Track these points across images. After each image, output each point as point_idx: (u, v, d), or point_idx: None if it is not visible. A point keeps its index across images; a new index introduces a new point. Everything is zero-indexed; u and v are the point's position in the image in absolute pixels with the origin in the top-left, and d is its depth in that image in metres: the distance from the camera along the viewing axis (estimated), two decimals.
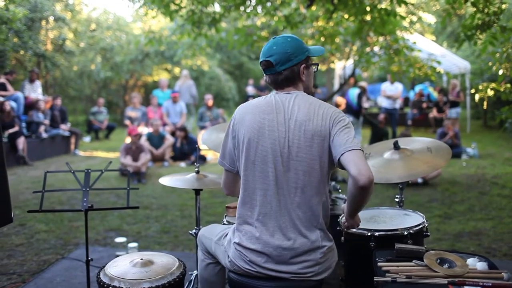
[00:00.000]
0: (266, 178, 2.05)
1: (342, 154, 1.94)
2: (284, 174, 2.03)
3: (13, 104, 9.89)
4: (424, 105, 14.78)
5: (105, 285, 2.18)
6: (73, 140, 11.41)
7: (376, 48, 8.62)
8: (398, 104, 12.27)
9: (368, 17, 6.90)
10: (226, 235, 2.25)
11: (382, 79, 19.67)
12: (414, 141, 2.99)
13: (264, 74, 2.20)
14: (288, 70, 2.12)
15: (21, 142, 9.26)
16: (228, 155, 2.22)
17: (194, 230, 3.08)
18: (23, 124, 10.07)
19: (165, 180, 2.98)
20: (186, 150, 9.86)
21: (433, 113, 13.64)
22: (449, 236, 4.81)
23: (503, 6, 5.19)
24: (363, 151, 1.98)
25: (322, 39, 8.38)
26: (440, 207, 5.91)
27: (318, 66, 2.29)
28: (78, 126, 13.98)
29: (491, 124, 14.28)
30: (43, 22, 13.28)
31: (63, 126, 11.20)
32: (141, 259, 2.33)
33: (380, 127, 10.48)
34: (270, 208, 2.04)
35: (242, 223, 2.12)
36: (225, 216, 2.97)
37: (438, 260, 2.07)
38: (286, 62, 2.10)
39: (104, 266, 2.34)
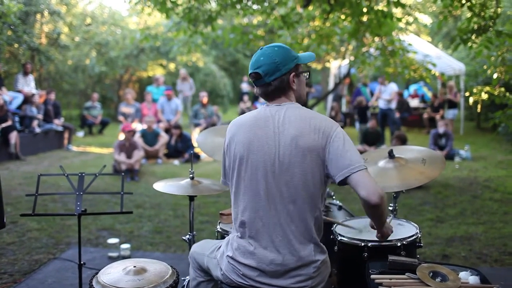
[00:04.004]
0: (257, 194, 2.03)
1: (348, 176, 1.94)
2: (276, 190, 2.01)
3: (6, 98, 9.82)
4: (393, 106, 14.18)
5: None
6: (66, 135, 11.36)
7: (371, 49, 8.63)
8: (393, 104, 12.26)
9: (364, 18, 6.90)
10: (219, 248, 2.24)
11: (377, 78, 19.72)
12: (409, 150, 3.00)
13: (254, 86, 2.15)
14: (278, 80, 2.07)
15: (13, 136, 9.21)
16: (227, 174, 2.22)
17: (187, 236, 3.07)
18: (16, 118, 10.01)
19: (159, 186, 2.97)
20: (180, 148, 9.84)
21: (427, 113, 13.66)
22: (440, 241, 4.83)
23: (499, 10, 5.20)
24: (366, 167, 1.97)
25: (318, 39, 8.38)
26: (432, 211, 5.93)
27: (309, 73, 2.22)
28: (72, 121, 13.92)
29: (484, 126, 14.33)
30: (38, 16, 13.19)
31: (56, 121, 11.15)
32: (134, 266, 2.32)
33: (370, 131, 10.52)
34: (261, 224, 2.03)
35: (236, 238, 2.12)
36: (219, 223, 2.95)
37: (431, 274, 2.07)
38: (274, 72, 2.05)
39: (97, 273, 2.33)
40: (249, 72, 2.12)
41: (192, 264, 2.43)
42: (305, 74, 2.19)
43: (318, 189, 2.04)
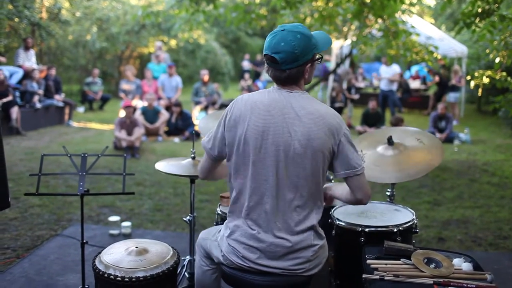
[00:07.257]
0: (265, 181, 2.05)
1: (349, 177, 2.11)
2: (285, 179, 2.04)
3: (6, 73, 9.80)
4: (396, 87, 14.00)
5: (101, 272, 2.23)
6: (67, 111, 11.37)
7: (374, 31, 8.58)
8: (395, 86, 12.23)
9: (367, 0, 6.86)
10: (220, 230, 2.29)
11: (379, 58, 19.62)
12: (407, 135, 3.02)
13: (267, 65, 2.10)
14: (294, 70, 2.04)
15: (14, 111, 9.23)
16: (217, 145, 2.17)
17: (188, 217, 3.11)
18: (17, 94, 10.00)
19: (161, 166, 3.00)
20: (180, 126, 9.86)
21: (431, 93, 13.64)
22: (437, 223, 4.90)
23: None
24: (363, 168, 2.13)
25: (321, 19, 8.31)
26: (430, 193, 5.99)
27: (322, 58, 2.16)
28: (72, 96, 13.90)
29: (485, 109, 14.33)
30: None
31: (57, 97, 11.14)
32: (136, 247, 2.37)
33: (370, 112, 10.54)
34: (265, 209, 2.07)
35: (236, 219, 2.15)
36: (219, 205, 3.00)
37: (425, 260, 2.13)
38: (292, 62, 2.01)
39: (100, 253, 2.38)
40: (265, 53, 2.05)
41: (198, 252, 2.44)
42: (318, 61, 2.15)
43: (322, 180, 2.12)
